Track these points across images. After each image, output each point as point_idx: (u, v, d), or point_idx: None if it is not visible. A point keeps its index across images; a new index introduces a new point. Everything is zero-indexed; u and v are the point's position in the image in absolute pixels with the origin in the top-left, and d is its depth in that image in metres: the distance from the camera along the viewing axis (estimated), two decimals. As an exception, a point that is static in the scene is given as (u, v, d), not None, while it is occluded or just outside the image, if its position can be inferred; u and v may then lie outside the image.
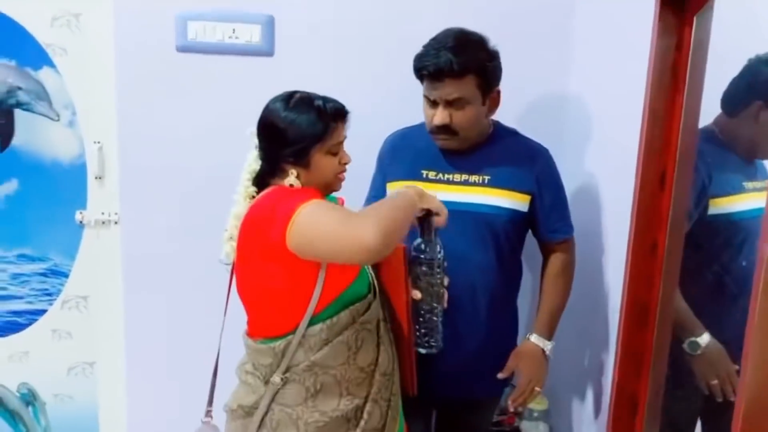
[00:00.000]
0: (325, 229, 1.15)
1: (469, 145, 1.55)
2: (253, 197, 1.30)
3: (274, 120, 1.25)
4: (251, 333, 1.30)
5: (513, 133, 1.64)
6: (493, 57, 1.50)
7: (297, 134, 1.23)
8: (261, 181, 1.31)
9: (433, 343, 1.38)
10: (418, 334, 1.37)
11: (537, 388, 1.55)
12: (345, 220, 1.14)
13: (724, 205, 1.50)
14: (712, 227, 1.50)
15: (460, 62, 1.41)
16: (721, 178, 1.51)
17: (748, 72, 1.45)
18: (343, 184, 1.34)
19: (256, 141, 1.31)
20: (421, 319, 1.36)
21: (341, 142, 1.30)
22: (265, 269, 1.21)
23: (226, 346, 1.37)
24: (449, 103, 1.46)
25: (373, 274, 1.35)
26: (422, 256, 1.32)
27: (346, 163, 1.32)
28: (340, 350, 1.24)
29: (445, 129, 1.48)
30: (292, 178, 1.26)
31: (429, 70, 1.44)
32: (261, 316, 1.29)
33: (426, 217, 1.31)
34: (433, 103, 1.48)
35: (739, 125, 1.51)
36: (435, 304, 1.35)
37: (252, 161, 1.32)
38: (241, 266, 1.26)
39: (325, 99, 1.27)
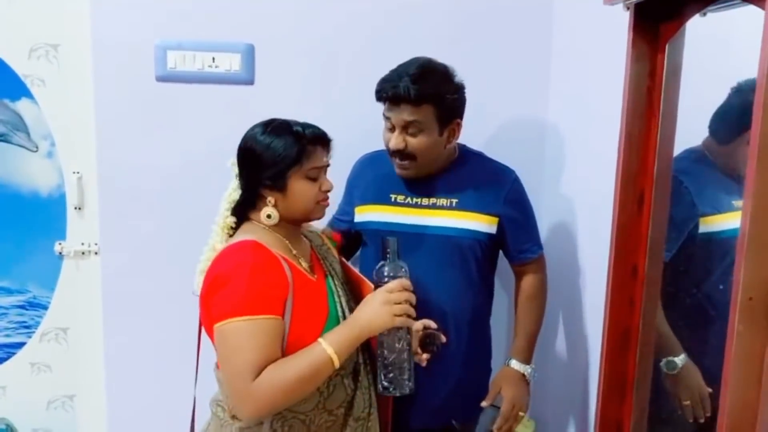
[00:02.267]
0: (227, 366, 1.17)
1: (428, 172, 1.56)
2: (232, 227, 1.30)
3: (252, 145, 1.25)
4: (219, 365, 1.28)
5: (479, 156, 1.66)
6: (455, 90, 1.52)
7: (273, 157, 1.22)
8: (240, 211, 1.30)
9: (404, 384, 1.25)
10: (384, 375, 1.26)
11: (521, 413, 1.55)
12: (245, 375, 1.12)
13: (714, 224, 1.51)
14: (701, 246, 1.51)
15: (418, 90, 1.44)
16: (712, 197, 1.52)
17: (735, 101, 1.46)
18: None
19: (236, 170, 1.31)
20: (385, 359, 1.25)
21: (321, 168, 1.28)
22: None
23: (206, 379, 1.35)
24: (404, 128, 1.48)
25: (343, 313, 1.30)
26: (384, 281, 1.26)
27: (327, 191, 1.30)
28: (310, 396, 1.22)
29: (400, 153, 1.50)
30: (269, 208, 1.25)
31: (387, 94, 1.48)
32: None
33: (388, 238, 1.28)
34: (390, 128, 1.51)
35: (732, 151, 1.52)
36: (399, 338, 1.25)
37: (232, 191, 1.32)
38: (202, 304, 1.25)
39: (306, 125, 1.27)
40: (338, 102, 1.89)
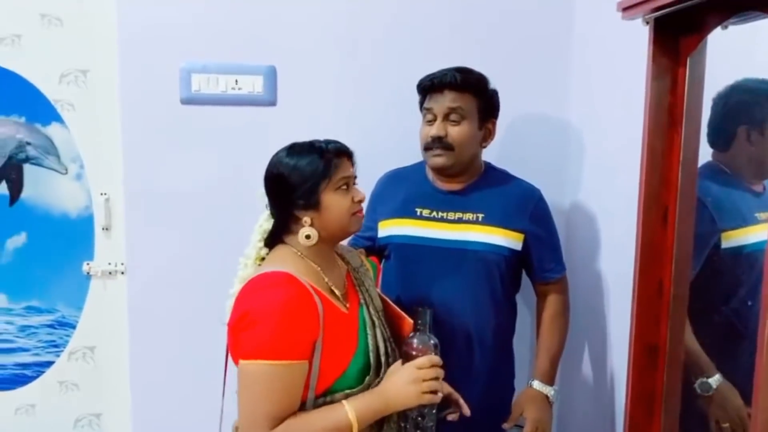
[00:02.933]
0: (245, 408, 1.16)
1: (459, 171, 1.57)
2: (263, 258, 1.30)
3: (278, 169, 1.26)
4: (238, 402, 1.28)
5: (504, 173, 1.67)
6: (493, 91, 1.59)
7: (302, 176, 1.23)
8: (274, 238, 1.30)
9: None
10: None
11: (543, 436, 1.53)
12: (260, 424, 1.12)
13: (737, 238, 1.48)
14: (725, 262, 1.48)
15: (463, 78, 1.52)
16: (731, 210, 1.49)
17: (720, 107, 1.46)
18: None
19: (265, 200, 1.31)
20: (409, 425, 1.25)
21: (349, 177, 1.27)
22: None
23: (233, 402, 1.35)
24: (446, 116, 1.53)
25: (374, 345, 1.28)
26: (413, 354, 1.25)
27: (360, 201, 1.29)
28: None
29: (439, 141, 1.52)
30: (306, 228, 1.24)
31: (433, 81, 1.54)
32: None
33: (421, 308, 1.28)
34: (431, 120, 1.55)
35: (735, 154, 1.51)
36: (424, 415, 1.25)
37: (263, 221, 1.32)
38: (230, 334, 1.23)
39: (327, 141, 1.28)
40: (361, 120, 1.91)
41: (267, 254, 1.29)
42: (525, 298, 1.73)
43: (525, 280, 1.68)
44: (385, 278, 1.66)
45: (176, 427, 1.96)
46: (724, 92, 1.45)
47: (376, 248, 1.69)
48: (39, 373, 2.04)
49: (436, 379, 1.22)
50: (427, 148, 1.56)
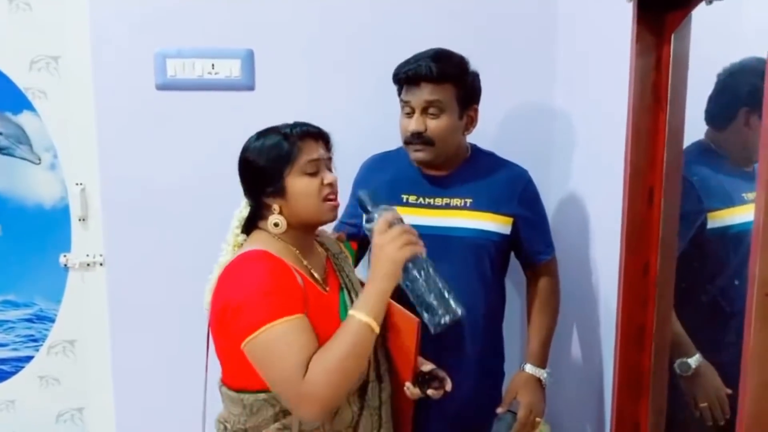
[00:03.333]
0: (273, 375, 1.12)
1: (443, 161, 1.53)
2: (242, 245, 1.27)
3: (245, 155, 1.24)
4: (223, 380, 1.26)
5: (491, 155, 1.63)
6: (473, 75, 1.52)
7: (265, 161, 1.20)
8: (250, 225, 1.28)
9: (450, 308, 1.15)
10: (430, 315, 1.15)
11: (538, 419, 1.51)
12: (294, 379, 1.08)
13: (723, 218, 1.47)
14: (711, 241, 1.48)
15: (439, 68, 1.44)
16: (718, 191, 1.48)
17: (724, 84, 1.44)
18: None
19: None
20: (422, 301, 1.15)
21: (317, 160, 1.22)
22: (234, 344, 1.16)
23: (215, 394, 1.33)
24: (425, 110, 1.46)
25: None
26: (372, 229, 1.18)
27: (330, 184, 1.23)
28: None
29: (419, 137, 1.47)
30: (275, 216, 1.21)
31: (408, 74, 1.46)
32: (230, 370, 1.23)
33: (358, 194, 1.23)
34: (409, 112, 1.49)
35: (730, 135, 1.49)
36: (420, 268, 1.16)
37: (242, 208, 1.29)
38: (213, 327, 1.21)
39: (295, 124, 1.24)
40: (340, 105, 1.87)
41: (245, 240, 1.27)
42: (513, 280, 1.71)
43: (513, 263, 1.66)
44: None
45: (160, 420, 1.94)
46: (730, 69, 1.42)
47: (361, 236, 1.66)
48: (18, 369, 2.00)
49: (405, 231, 1.15)
50: (407, 142, 1.51)
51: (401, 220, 1.19)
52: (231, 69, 1.82)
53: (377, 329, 1.12)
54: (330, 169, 1.27)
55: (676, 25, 1.35)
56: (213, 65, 1.82)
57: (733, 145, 1.48)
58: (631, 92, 1.41)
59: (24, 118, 1.90)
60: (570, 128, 1.87)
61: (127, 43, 1.80)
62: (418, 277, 1.16)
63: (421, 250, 1.17)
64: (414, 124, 1.47)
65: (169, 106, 1.83)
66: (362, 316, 1.11)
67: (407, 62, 1.49)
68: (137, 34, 1.80)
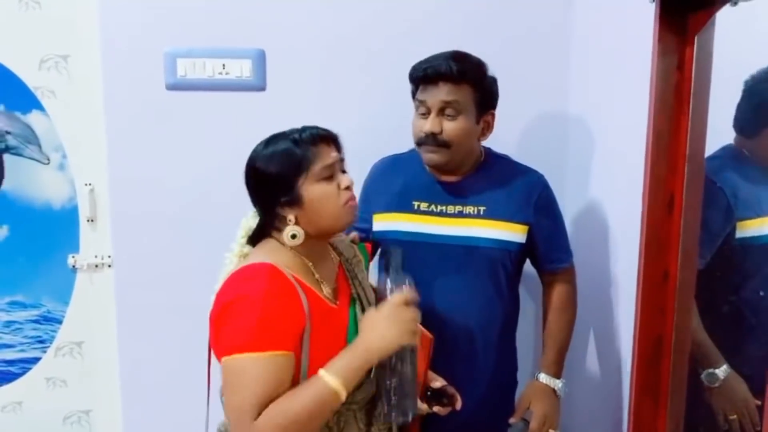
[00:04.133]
0: (230, 401, 1.08)
1: (457, 165, 1.49)
2: (246, 255, 1.22)
3: (254, 164, 1.17)
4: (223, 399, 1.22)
5: (505, 159, 1.58)
6: (491, 79, 1.47)
7: (278, 170, 1.14)
8: (260, 235, 1.22)
9: (407, 410, 1.15)
10: (386, 401, 1.15)
11: (551, 430, 1.48)
12: (247, 415, 1.04)
13: (754, 228, 1.42)
14: (740, 252, 1.43)
15: (459, 68, 1.40)
16: (750, 199, 1.43)
17: (752, 91, 1.40)
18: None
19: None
20: (387, 383, 1.15)
21: (331, 165, 1.16)
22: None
23: (215, 402, 1.30)
24: (441, 111, 1.42)
25: None
26: (386, 295, 1.15)
27: (347, 187, 1.18)
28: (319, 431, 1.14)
29: (434, 138, 1.42)
30: (292, 227, 1.15)
31: (426, 72, 1.42)
32: None
33: (391, 249, 1.19)
34: (424, 113, 1.44)
35: (762, 143, 1.45)
36: (403, 359, 1.15)
37: (250, 217, 1.24)
38: (211, 335, 1.17)
39: (304, 128, 1.18)
40: (352, 106, 1.84)
41: (250, 251, 1.22)
42: (528, 288, 1.67)
43: (527, 269, 1.62)
44: (380, 277, 1.60)
45: (167, 422, 1.92)
46: (758, 76, 1.38)
47: (371, 240, 1.63)
48: (25, 370, 1.98)
49: (413, 319, 1.13)
50: (420, 143, 1.46)
51: (418, 304, 1.16)
52: (242, 69, 1.80)
53: (343, 397, 1.08)
54: (344, 171, 1.22)
55: (700, 26, 1.32)
56: (224, 65, 1.79)
57: (765, 152, 1.43)
58: (652, 95, 1.37)
59: (33, 118, 1.88)
60: (586, 132, 1.83)
61: (137, 43, 1.78)
62: (395, 365, 1.14)
63: (416, 342, 1.14)
64: (429, 125, 1.42)
65: (179, 106, 1.81)
66: (332, 380, 1.07)
67: (425, 61, 1.44)
68: (147, 34, 1.78)
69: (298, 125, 1.23)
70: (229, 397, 1.09)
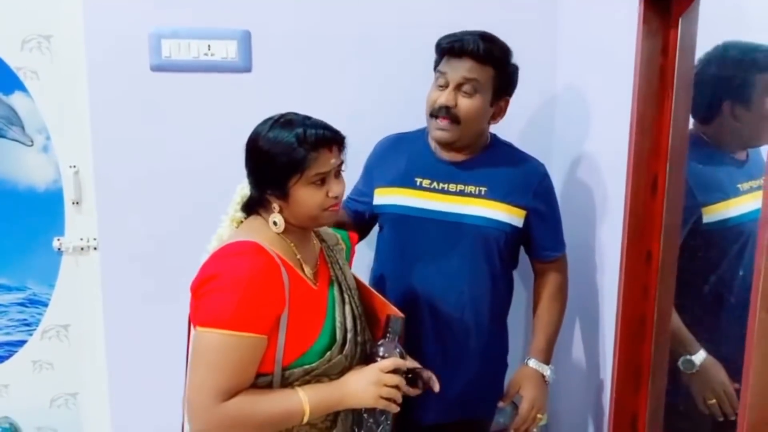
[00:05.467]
0: (196, 375, 1.11)
1: (463, 145, 1.50)
2: (240, 221, 1.25)
3: (255, 145, 1.17)
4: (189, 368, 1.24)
5: (509, 146, 1.60)
6: (514, 66, 1.50)
7: (273, 164, 1.14)
8: (250, 207, 1.24)
9: None
10: None
11: (539, 415, 1.50)
12: (211, 393, 1.08)
13: (719, 212, 1.44)
14: (707, 237, 1.45)
15: (486, 48, 1.43)
16: (712, 184, 1.46)
17: (703, 77, 1.41)
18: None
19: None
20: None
21: (325, 173, 1.16)
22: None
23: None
24: (459, 86, 1.44)
25: (341, 322, 1.23)
26: (378, 360, 1.21)
27: (335, 197, 1.19)
28: None
29: (447, 111, 1.44)
30: (275, 215, 1.18)
31: (453, 45, 1.44)
32: None
33: (392, 316, 1.23)
34: (442, 85, 1.46)
35: (719, 128, 1.46)
36: (378, 422, 1.22)
37: (245, 185, 1.25)
38: (191, 303, 1.18)
39: (311, 125, 1.16)
40: (337, 87, 1.84)
41: (244, 218, 1.25)
42: (520, 273, 1.68)
43: (521, 259, 1.64)
44: (379, 250, 1.61)
45: (154, 404, 1.92)
46: (706, 60, 1.39)
47: (367, 216, 1.63)
48: (11, 353, 1.98)
49: (397, 387, 1.19)
50: (432, 114, 1.47)
51: (406, 375, 1.23)
52: (227, 50, 1.78)
53: (305, 420, 1.14)
54: (339, 175, 1.22)
55: (684, 8, 1.32)
56: (209, 46, 1.77)
57: (723, 136, 1.45)
58: (636, 77, 1.38)
59: (16, 99, 1.85)
60: (571, 115, 1.84)
61: (122, 23, 1.76)
62: (372, 426, 1.21)
63: (394, 410, 1.20)
64: (445, 98, 1.44)
65: (163, 87, 1.79)
66: (305, 401, 1.13)
67: (455, 34, 1.46)
68: (131, 13, 1.75)
69: (286, 108, 1.22)
70: (194, 369, 1.11)
